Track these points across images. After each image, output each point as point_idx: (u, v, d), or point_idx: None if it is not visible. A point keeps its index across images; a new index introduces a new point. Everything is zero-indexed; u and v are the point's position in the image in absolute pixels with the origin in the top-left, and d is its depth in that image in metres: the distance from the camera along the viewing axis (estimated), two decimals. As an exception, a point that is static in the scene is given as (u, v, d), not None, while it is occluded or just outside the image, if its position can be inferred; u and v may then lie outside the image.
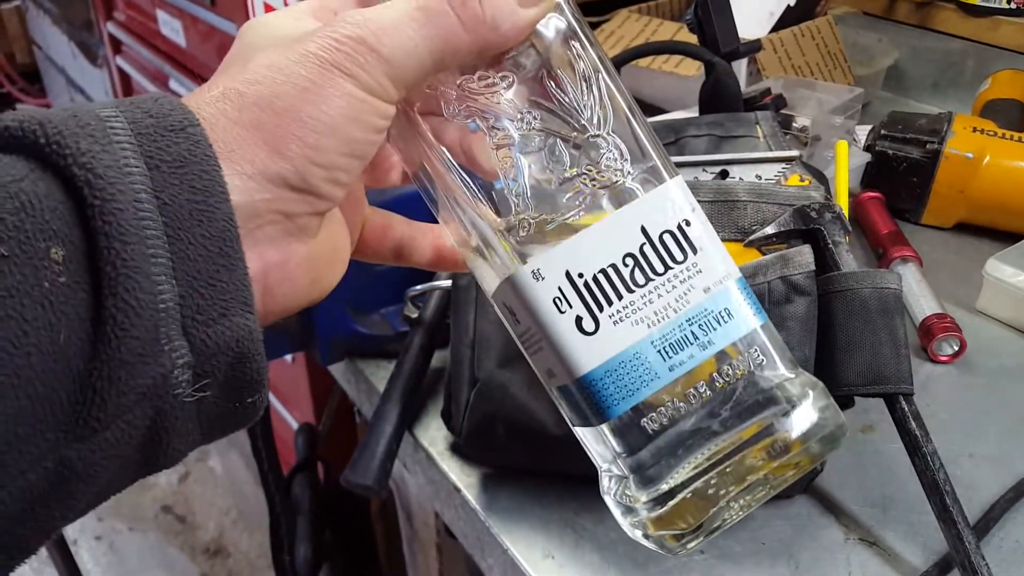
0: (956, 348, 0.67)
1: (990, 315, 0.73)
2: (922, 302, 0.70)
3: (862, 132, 0.92)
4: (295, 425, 1.13)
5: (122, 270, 0.22)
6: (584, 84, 0.29)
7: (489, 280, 0.30)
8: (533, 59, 0.29)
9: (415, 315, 0.64)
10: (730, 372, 0.29)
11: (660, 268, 0.28)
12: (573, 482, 0.55)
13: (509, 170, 0.29)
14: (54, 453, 0.22)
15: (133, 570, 1.65)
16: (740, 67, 0.98)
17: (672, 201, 0.29)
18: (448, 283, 0.63)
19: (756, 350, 0.29)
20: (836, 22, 1.09)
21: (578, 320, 0.28)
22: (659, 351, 0.28)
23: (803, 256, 0.51)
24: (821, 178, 0.63)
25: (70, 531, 1.62)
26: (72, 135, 0.22)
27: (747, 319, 0.29)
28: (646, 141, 0.29)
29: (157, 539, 1.71)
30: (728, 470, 0.28)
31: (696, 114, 0.76)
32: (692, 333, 0.28)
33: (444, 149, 0.30)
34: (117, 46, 1.42)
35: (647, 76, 1.01)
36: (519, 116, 0.29)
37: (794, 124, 0.83)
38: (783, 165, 0.62)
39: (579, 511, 0.54)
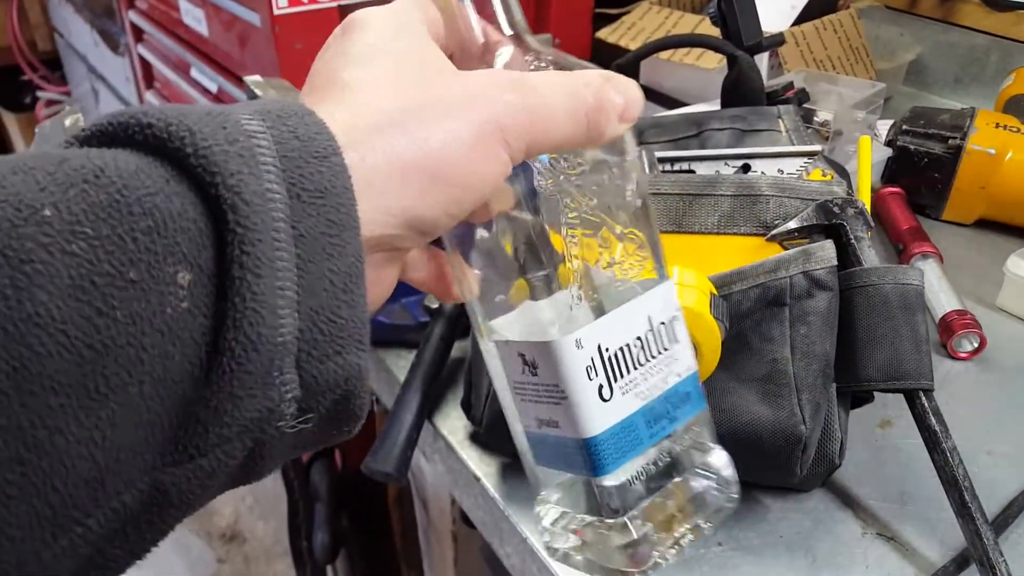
0: (976, 345, 0.67)
1: (1010, 312, 0.72)
2: (942, 298, 0.70)
3: (883, 127, 0.92)
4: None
5: (251, 304, 0.21)
6: (631, 187, 0.33)
7: (508, 328, 0.33)
8: (601, 159, 0.32)
9: (436, 305, 0.64)
10: (681, 442, 0.34)
11: (655, 352, 0.33)
12: (592, 473, 0.55)
13: (571, 245, 0.31)
14: (149, 475, 0.21)
15: (150, 555, 1.67)
16: (761, 60, 0.98)
17: (668, 298, 0.33)
18: (469, 274, 0.63)
19: (699, 428, 0.35)
20: (859, 16, 1.09)
21: (600, 388, 0.31)
22: (646, 421, 0.32)
23: (825, 251, 0.51)
24: (843, 173, 0.63)
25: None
26: (221, 152, 0.22)
27: (698, 403, 0.34)
28: (659, 242, 0.34)
29: (174, 523, 1.73)
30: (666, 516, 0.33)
31: (718, 107, 0.76)
32: (666, 409, 0.33)
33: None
34: (139, 34, 1.43)
35: (668, 68, 1.01)
36: (584, 199, 0.32)
37: (816, 118, 0.83)
38: (805, 159, 0.62)
39: (597, 501, 0.54)
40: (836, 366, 0.51)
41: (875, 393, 0.52)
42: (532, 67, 0.31)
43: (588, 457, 0.32)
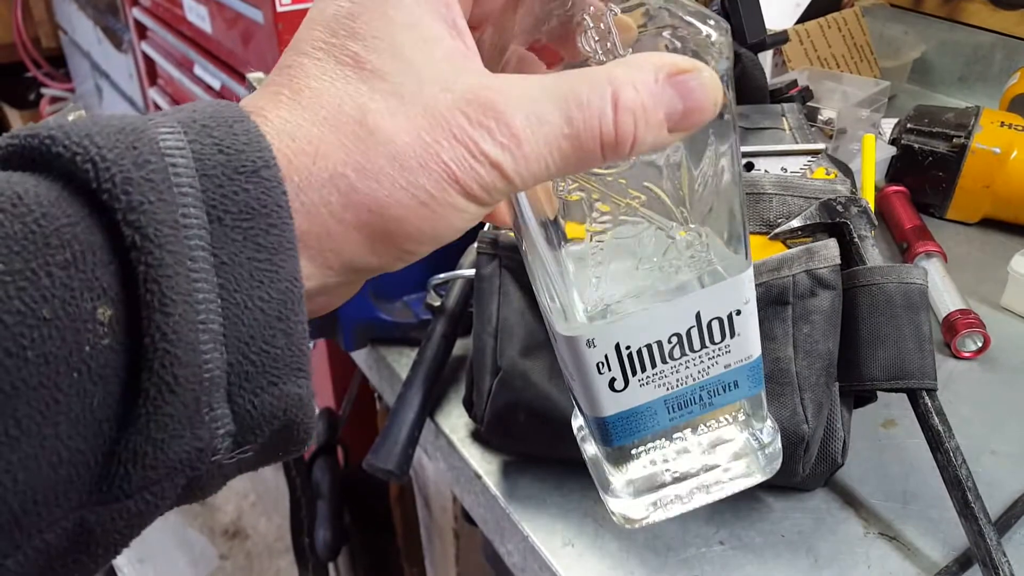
0: (980, 344, 0.66)
1: (1015, 312, 0.72)
2: (946, 298, 0.70)
3: (888, 125, 0.91)
4: (316, 409, 1.14)
5: (160, 344, 0.20)
6: (702, 179, 0.29)
7: (556, 310, 0.32)
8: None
9: (438, 303, 0.64)
10: (716, 424, 0.34)
11: (697, 346, 0.31)
12: (593, 471, 0.55)
13: (598, 251, 0.29)
14: (75, 514, 0.20)
15: (153, 551, 1.67)
16: (765, 58, 0.98)
17: (735, 292, 0.30)
18: (471, 272, 0.63)
19: (742, 411, 0.34)
20: (863, 14, 1.08)
21: (611, 381, 0.31)
22: (668, 407, 0.32)
23: (829, 250, 0.50)
24: (847, 171, 0.62)
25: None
26: (124, 180, 0.20)
27: (749, 390, 0.33)
28: (740, 236, 0.30)
29: (177, 521, 1.74)
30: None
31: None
32: (700, 396, 0.32)
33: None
34: (142, 31, 1.43)
35: (671, 66, 1.01)
36: (625, 197, 0.29)
37: (820, 117, 0.83)
38: (809, 158, 0.61)
39: (599, 500, 0.53)
40: (839, 365, 0.51)
41: (878, 392, 0.52)
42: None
43: (597, 431, 0.33)
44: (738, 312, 0.31)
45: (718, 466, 0.34)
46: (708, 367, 0.32)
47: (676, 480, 0.34)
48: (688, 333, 0.30)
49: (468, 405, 0.58)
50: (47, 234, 0.19)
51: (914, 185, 0.85)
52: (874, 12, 1.18)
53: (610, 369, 0.31)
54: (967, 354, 0.67)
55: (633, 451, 0.33)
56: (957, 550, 0.50)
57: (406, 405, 0.60)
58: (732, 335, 0.31)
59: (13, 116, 2.33)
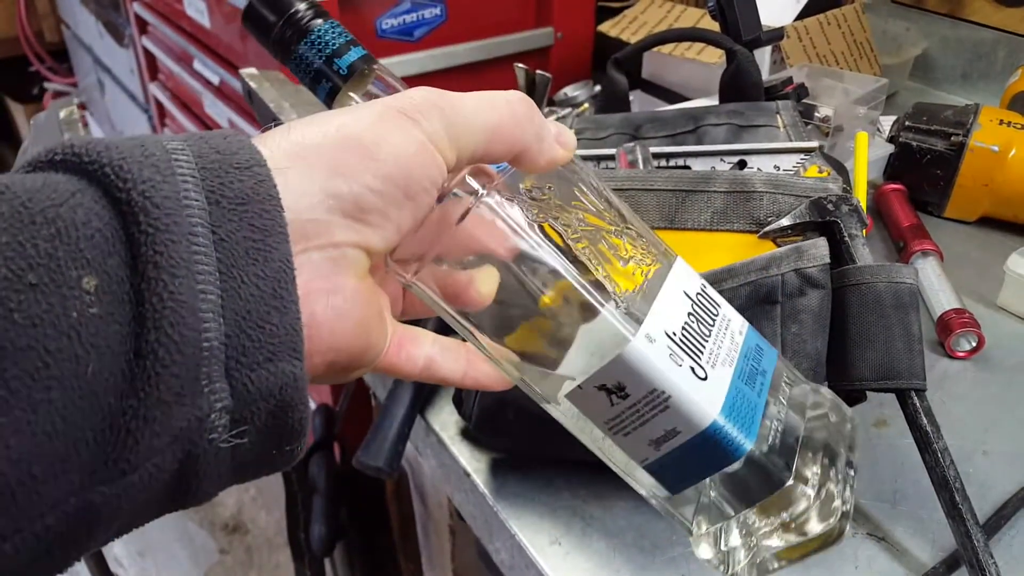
0: (974, 344, 0.66)
1: (1011, 311, 0.72)
2: (941, 297, 0.70)
3: (887, 123, 0.91)
4: (313, 405, 1.14)
5: (169, 303, 0.21)
6: (599, 198, 0.33)
7: (571, 370, 0.31)
8: (562, 176, 0.33)
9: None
10: (785, 389, 0.34)
11: (710, 321, 0.32)
12: (582, 469, 0.55)
13: (594, 259, 0.31)
14: (76, 496, 0.21)
15: (154, 545, 1.68)
16: (764, 55, 0.97)
17: (688, 272, 0.34)
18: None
19: (784, 371, 0.35)
20: (864, 10, 1.08)
21: (692, 370, 0.30)
22: (745, 382, 0.32)
23: (818, 249, 0.50)
24: (841, 169, 0.62)
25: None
26: (136, 162, 0.22)
27: (771, 350, 0.35)
28: (647, 228, 0.34)
29: (178, 515, 1.74)
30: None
31: (717, 102, 0.75)
32: (752, 366, 0.33)
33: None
34: (143, 26, 1.43)
35: (670, 63, 1.01)
36: (572, 214, 0.32)
37: (816, 114, 0.82)
38: (802, 156, 0.61)
39: (588, 499, 0.54)
40: (828, 365, 0.50)
41: (869, 392, 0.52)
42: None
43: (721, 442, 0.30)
44: (703, 286, 0.34)
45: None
46: (732, 336, 0.33)
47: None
48: (695, 310, 0.32)
49: (457, 402, 0.58)
50: (32, 213, 0.20)
51: (912, 183, 0.85)
52: (876, 8, 1.17)
53: (682, 359, 0.30)
54: (961, 354, 0.66)
55: (769, 442, 0.32)
56: (945, 551, 0.50)
57: (396, 402, 0.60)
58: (717, 305, 0.33)
59: (17, 110, 2.34)
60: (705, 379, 0.30)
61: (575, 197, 0.32)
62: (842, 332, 0.50)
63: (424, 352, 0.32)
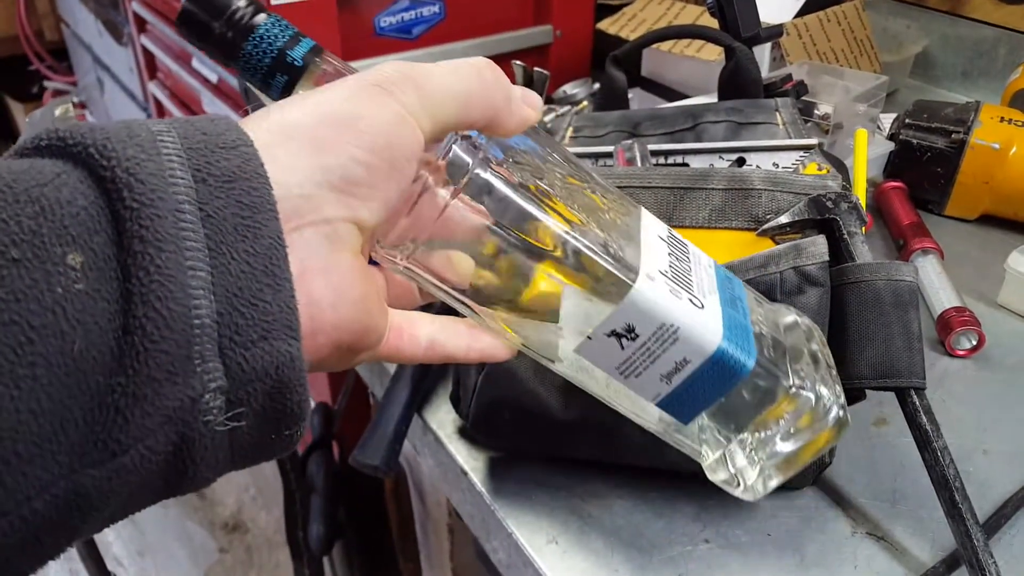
0: (974, 342, 0.66)
1: (1011, 310, 0.71)
2: (941, 295, 0.69)
3: (887, 120, 0.90)
4: (311, 404, 1.14)
5: (155, 276, 0.21)
6: (565, 160, 0.35)
7: (577, 330, 0.32)
8: (533, 143, 0.34)
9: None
10: (757, 310, 0.37)
11: (686, 259, 0.34)
12: (580, 468, 0.55)
13: (582, 214, 0.32)
14: (66, 480, 0.20)
15: (153, 544, 1.67)
16: (764, 52, 0.97)
17: (654, 219, 0.36)
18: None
19: (751, 294, 0.38)
20: (864, 7, 1.07)
21: (691, 301, 0.32)
22: (731, 307, 0.34)
23: (817, 246, 0.50)
24: (840, 167, 0.62)
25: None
26: (120, 142, 0.22)
27: (736, 278, 0.37)
28: (609, 183, 0.36)
29: (177, 514, 1.74)
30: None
31: (716, 99, 0.75)
32: (730, 293, 0.35)
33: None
34: (142, 24, 1.43)
35: (669, 60, 1.00)
36: (552, 175, 0.33)
37: (816, 111, 0.82)
38: (801, 153, 0.61)
39: (585, 497, 0.53)
40: (827, 363, 0.50)
41: (868, 391, 0.51)
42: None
43: (728, 364, 0.32)
44: (670, 230, 0.36)
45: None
46: (707, 269, 0.35)
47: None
48: (672, 250, 0.34)
49: (455, 401, 0.58)
50: (16, 193, 0.20)
51: (912, 181, 0.84)
52: (876, 6, 1.17)
53: (679, 292, 0.32)
54: (961, 352, 0.66)
55: (764, 356, 0.33)
56: (945, 550, 0.50)
57: (393, 400, 0.60)
58: (685, 245, 0.36)
59: (16, 109, 2.34)
60: (702, 308, 0.32)
61: (547, 160, 0.33)
62: (841, 330, 0.50)
63: (425, 332, 0.32)
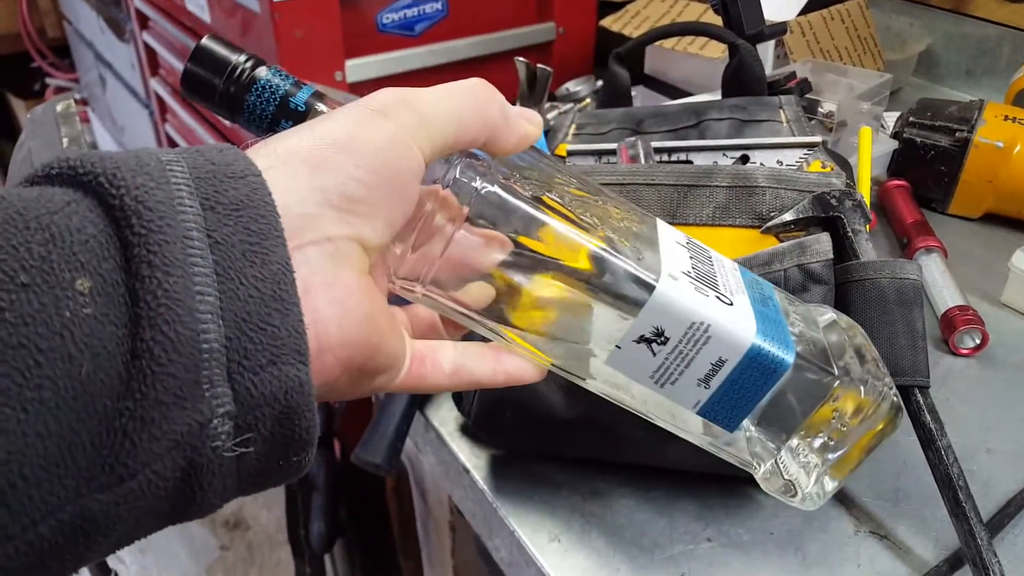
0: (978, 341, 0.65)
1: (1015, 308, 0.71)
2: (945, 294, 0.69)
3: (891, 119, 0.90)
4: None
5: (163, 300, 0.21)
6: (571, 176, 0.34)
7: (606, 342, 0.32)
8: (538, 158, 0.34)
9: (429, 295, 0.64)
10: (791, 309, 0.36)
11: (709, 261, 0.34)
12: (582, 466, 0.55)
13: (596, 222, 0.32)
14: (72, 504, 0.20)
15: (154, 542, 1.68)
16: (767, 50, 0.97)
17: (671, 228, 0.35)
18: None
19: (783, 294, 0.37)
20: (868, 5, 1.07)
21: (719, 299, 0.31)
22: (761, 305, 0.33)
23: (821, 244, 0.50)
24: (844, 165, 0.61)
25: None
26: (129, 171, 0.22)
27: (765, 281, 0.37)
28: (625, 200, 0.36)
29: (178, 510, 1.74)
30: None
31: (720, 97, 0.75)
32: (759, 292, 0.34)
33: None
34: (144, 21, 1.43)
35: (673, 57, 1.00)
36: (563, 187, 0.33)
37: (820, 109, 0.82)
38: (805, 151, 0.60)
39: (587, 496, 0.53)
40: (830, 361, 0.50)
41: (871, 389, 0.51)
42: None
43: (766, 359, 0.31)
44: (688, 237, 0.35)
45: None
46: (733, 271, 0.34)
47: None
48: (693, 253, 0.33)
49: (457, 399, 0.57)
50: (27, 220, 0.20)
51: (916, 179, 0.84)
52: (880, 4, 1.17)
53: (706, 291, 0.31)
54: (965, 351, 0.66)
55: (803, 353, 0.32)
56: (948, 549, 0.49)
57: (394, 398, 0.60)
58: (706, 249, 0.35)
59: (18, 106, 2.34)
60: (732, 305, 0.31)
61: (554, 175, 0.33)
62: (845, 328, 0.50)
63: (448, 357, 0.32)
